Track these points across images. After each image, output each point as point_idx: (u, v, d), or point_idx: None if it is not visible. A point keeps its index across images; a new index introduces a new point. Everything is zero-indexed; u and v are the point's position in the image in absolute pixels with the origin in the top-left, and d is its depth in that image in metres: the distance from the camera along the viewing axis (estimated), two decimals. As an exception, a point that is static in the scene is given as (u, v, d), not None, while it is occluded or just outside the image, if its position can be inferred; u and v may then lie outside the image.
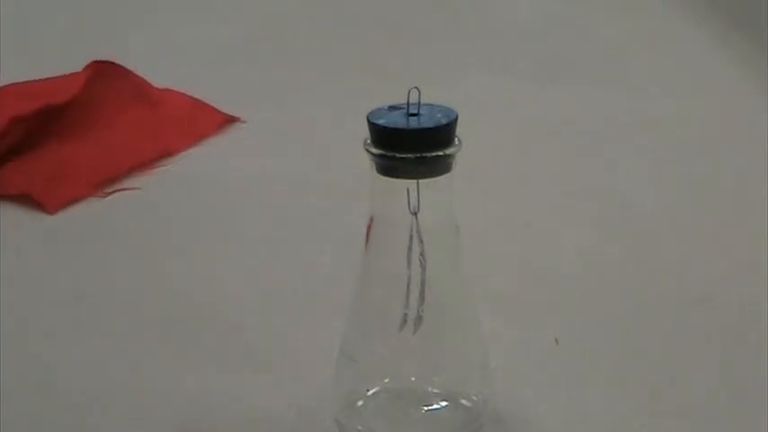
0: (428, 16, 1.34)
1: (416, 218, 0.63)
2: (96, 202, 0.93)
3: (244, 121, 1.01)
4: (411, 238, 0.64)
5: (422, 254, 0.64)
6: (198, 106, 1.02)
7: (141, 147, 0.97)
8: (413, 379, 0.67)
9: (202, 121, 1.01)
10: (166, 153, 0.97)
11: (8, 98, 0.99)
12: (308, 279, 0.83)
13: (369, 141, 0.63)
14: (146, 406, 0.69)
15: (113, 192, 0.91)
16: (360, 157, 0.64)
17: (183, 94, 1.03)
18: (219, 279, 0.84)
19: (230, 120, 1.02)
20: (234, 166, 0.99)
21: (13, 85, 1.01)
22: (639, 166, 1.01)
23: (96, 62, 1.01)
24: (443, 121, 0.62)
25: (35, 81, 0.97)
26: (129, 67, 1.06)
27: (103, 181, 0.92)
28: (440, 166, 0.63)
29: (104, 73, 1.01)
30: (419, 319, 0.64)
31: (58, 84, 1.00)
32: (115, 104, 1.01)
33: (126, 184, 0.92)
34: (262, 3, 1.46)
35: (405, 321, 0.64)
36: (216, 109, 1.02)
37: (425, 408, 0.67)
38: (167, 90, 1.03)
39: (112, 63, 1.01)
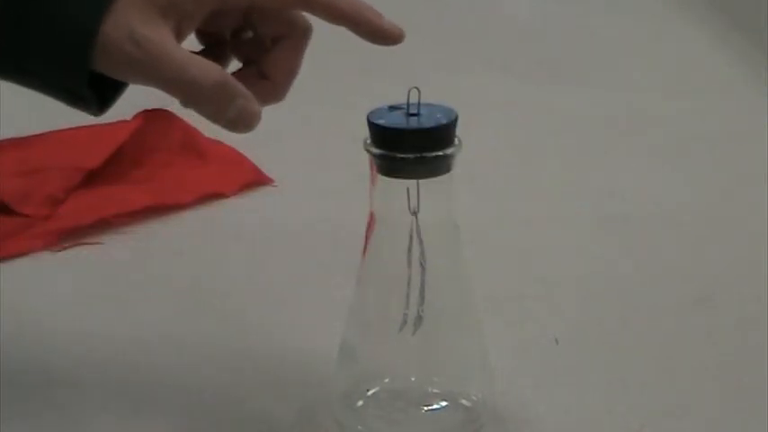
0: (428, 16, 1.34)
1: (416, 218, 0.63)
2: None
3: (275, 185, 0.96)
4: (411, 238, 0.64)
5: (422, 254, 0.64)
6: (240, 161, 0.98)
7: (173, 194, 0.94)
8: (413, 379, 0.67)
9: (239, 176, 0.98)
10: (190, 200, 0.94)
11: (64, 146, 0.97)
12: (308, 279, 0.83)
13: (369, 141, 0.63)
14: (145, 406, 0.69)
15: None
16: (360, 157, 0.64)
17: (230, 147, 0.99)
18: (218, 279, 0.84)
19: (265, 180, 0.97)
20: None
21: (62, 131, 0.99)
22: (639, 166, 1.01)
23: (147, 111, 0.98)
24: (443, 121, 0.62)
25: (87, 127, 0.93)
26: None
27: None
28: (440, 166, 0.63)
29: (155, 119, 0.98)
30: (419, 319, 0.64)
31: (109, 130, 0.97)
32: (164, 152, 0.98)
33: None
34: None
35: (405, 321, 0.64)
36: (256, 167, 0.97)
37: (425, 408, 0.67)
38: (216, 141, 0.99)
39: (164, 110, 0.98)
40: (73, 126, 0.94)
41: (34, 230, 0.88)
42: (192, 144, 0.99)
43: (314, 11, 0.66)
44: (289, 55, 0.68)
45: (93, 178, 0.94)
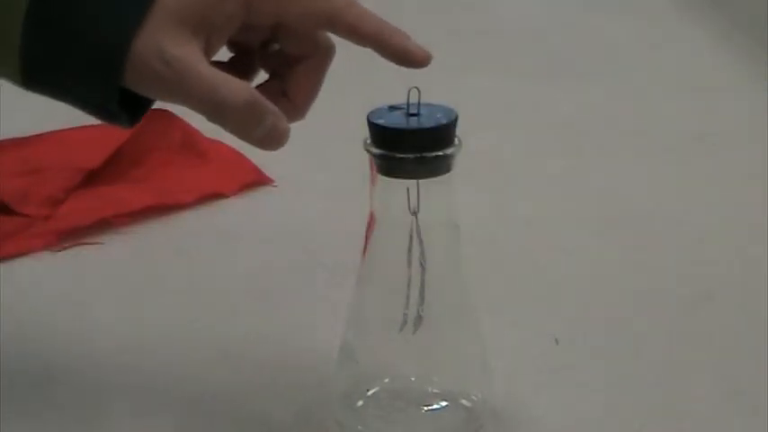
0: (428, 16, 1.34)
1: (416, 218, 0.63)
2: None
3: (275, 185, 0.97)
4: (411, 238, 0.64)
5: (422, 254, 0.64)
6: (240, 161, 0.97)
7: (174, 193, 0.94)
8: (413, 379, 0.67)
9: (239, 176, 0.96)
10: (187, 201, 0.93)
11: (64, 146, 0.97)
12: (308, 279, 0.83)
13: (369, 141, 0.63)
14: (145, 406, 0.69)
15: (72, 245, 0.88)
16: (360, 157, 0.64)
17: (230, 146, 0.98)
18: (218, 279, 0.84)
19: (265, 180, 0.97)
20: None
21: (62, 131, 0.98)
22: (640, 166, 1.01)
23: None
24: (443, 121, 0.62)
25: (87, 127, 0.92)
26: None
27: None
28: (440, 166, 0.63)
29: (154, 119, 0.98)
30: (419, 319, 0.64)
31: (109, 130, 0.97)
32: (164, 151, 0.98)
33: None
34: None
35: (405, 321, 0.64)
36: (256, 167, 0.97)
37: (425, 408, 0.67)
38: (216, 141, 0.99)
39: (164, 110, 0.98)
40: (73, 126, 0.94)
41: (34, 230, 0.88)
42: (192, 144, 0.99)
43: (339, 32, 0.65)
44: (310, 74, 0.67)
45: (92, 178, 0.94)
